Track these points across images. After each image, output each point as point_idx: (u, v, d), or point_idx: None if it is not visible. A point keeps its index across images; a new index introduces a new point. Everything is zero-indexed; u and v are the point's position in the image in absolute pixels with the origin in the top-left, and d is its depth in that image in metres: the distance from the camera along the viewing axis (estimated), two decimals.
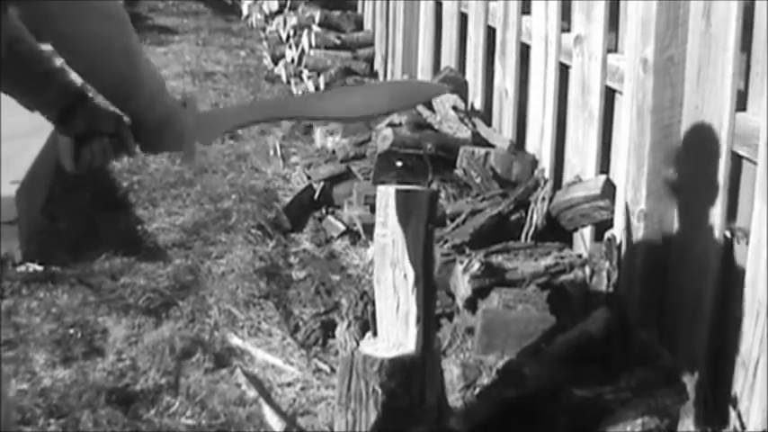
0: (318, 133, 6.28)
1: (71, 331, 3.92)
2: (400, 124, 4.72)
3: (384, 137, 4.58)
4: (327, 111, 2.47)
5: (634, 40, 3.33)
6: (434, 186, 4.31)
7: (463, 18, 5.42)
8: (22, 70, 2.06)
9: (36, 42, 2.05)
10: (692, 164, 3.10)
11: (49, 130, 5.94)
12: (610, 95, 3.76)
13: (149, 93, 2.00)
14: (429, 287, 2.85)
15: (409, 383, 2.75)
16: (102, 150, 2.15)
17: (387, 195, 2.90)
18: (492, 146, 4.54)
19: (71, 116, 2.11)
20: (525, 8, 4.54)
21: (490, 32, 4.99)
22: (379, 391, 2.73)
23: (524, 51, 4.56)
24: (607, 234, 3.53)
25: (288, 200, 5.47)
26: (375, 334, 2.95)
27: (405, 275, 2.84)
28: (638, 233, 3.31)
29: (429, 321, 2.87)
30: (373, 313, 2.99)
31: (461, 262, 3.59)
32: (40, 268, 4.45)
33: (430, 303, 2.87)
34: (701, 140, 3.01)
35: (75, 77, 1.98)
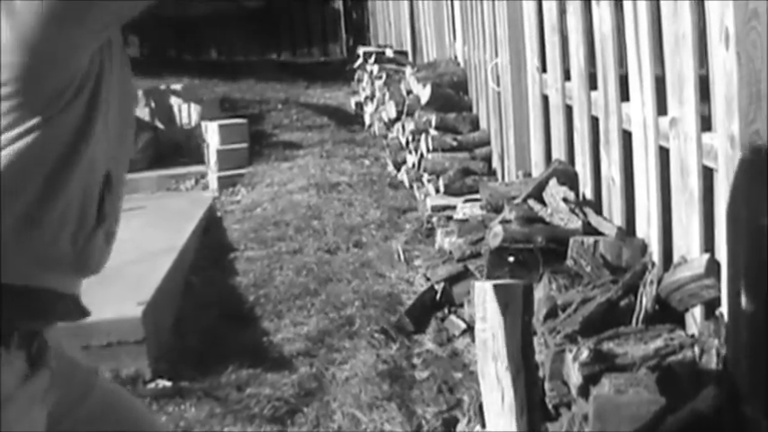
0: (439, 234, 6.37)
1: None
2: (511, 221, 4.78)
3: (495, 234, 4.64)
4: None
5: (720, 118, 3.37)
6: (546, 279, 4.34)
7: (569, 110, 5.49)
8: None
9: None
10: None
11: (177, 251, 6.21)
12: (709, 174, 3.78)
13: None
14: (530, 377, 2.90)
15: None
16: None
17: (483, 291, 2.97)
18: (602, 234, 4.57)
19: None
20: (624, 95, 4.60)
21: (594, 122, 5.05)
22: None
23: (627, 138, 4.60)
24: (716, 312, 3.53)
25: (411, 302, 5.55)
26: (483, 426, 3.01)
27: (506, 367, 2.90)
28: (741, 308, 3.30)
29: (533, 411, 2.91)
30: (480, 406, 3.04)
31: (571, 350, 3.62)
32: (168, 384, 4.62)
33: (533, 393, 2.92)
34: None
35: None
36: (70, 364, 2.17)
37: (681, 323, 3.86)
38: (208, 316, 5.59)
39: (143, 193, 9.96)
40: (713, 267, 3.61)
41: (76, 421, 2.16)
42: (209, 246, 7.35)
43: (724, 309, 3.48)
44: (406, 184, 8.48)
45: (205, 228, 7.86)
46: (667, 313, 3.84)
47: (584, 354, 3.54)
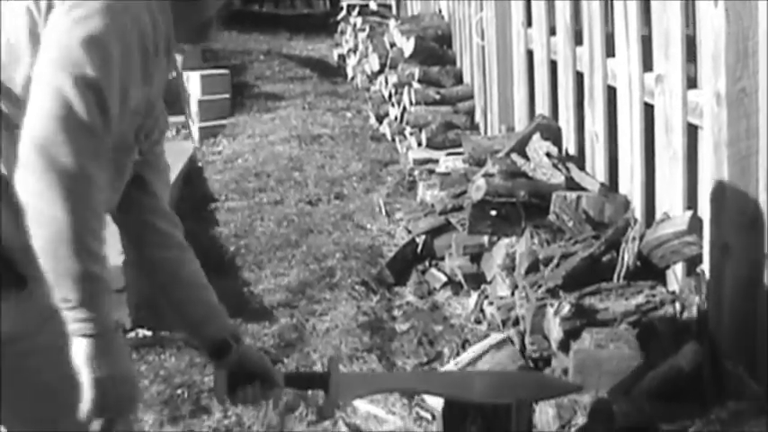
0: (421, 188, 6.37)
1: (179, 392, 4.08)
2: (494, 174, 4.77)
3: (478, 187, 4.63)
4: (465, 393, 2.74)
5: (707, 75, 3.36)
6: (528, 233, 4.34)
7: (553, 65, 5.48)
8: (179, 313, 2.54)
9: (195, 285, 2.59)
10: None
11: None
12: (693, 132, 3.78)
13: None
14: None
15: (492, 430, 2.79)
16: (255, 393, 2.43)
17: None
18: (585, 189, 4.56)
19: (225, 353, 2.37)
20: (610, 51, 4.59)
21: (579, 77, 5.04)
22: None
23: (612, 94, 4.60)
24: (697, 269, 3.54)
25: (392, 255, 5.56)
26: None
27: None
28: (724, 266, 3.31)
29: None
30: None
31: (552, 305, 3.63)
32: (149, 333, 4.63)
33: None
34: None
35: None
36: None
37: (662, 280, 3.87)
38: None
39: None
40: (696, 224, 3.61)
41: None
42: (190, 196, 7.32)
43: (705, 266, 3.49)
44: (389, 136, 8.47)
45: (186, 178, 7.81)
46: (649, 270, 3.85)
47: (566, 308, 3.55)
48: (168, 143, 9.25)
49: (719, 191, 3.31)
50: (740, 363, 3.15)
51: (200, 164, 8.46)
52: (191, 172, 8.10)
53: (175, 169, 7.64)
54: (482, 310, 4.68)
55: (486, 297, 4.71)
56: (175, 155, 8.58)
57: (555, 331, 3.59)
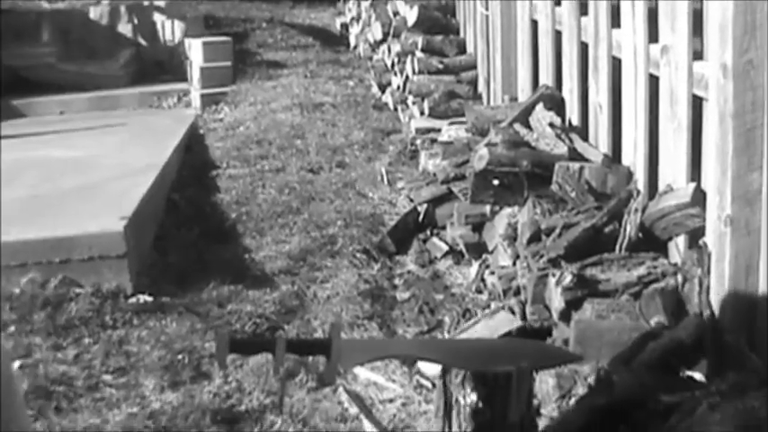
0: (423, 156, 6.35)
1: (179, 357, 4.10)
2: (496, 144, 4.75)
3: (480, 156, 4.61)
4: (466, 360, 2.70)
5: (714, 47, 3.35)
6: (530, 203, 4.33)
7: (558, 35, 5.45)
8: None
9: None
10: None
11: (159, 168, 6.20)
12: (698, 104, 3.77)
13: None
14: None
15: (492, 399, 2.78)
16: None
17: None
18: (588, 160, 4.56)
19: None
20: (615, 22, 4.56)
21: (584, 48, 5.02)
22: (462, 402, 2.78)
23: (617, 65, 4.58)
24: (700, 241, 3.54)
25: (393, 224, 5.56)
26: None
27: None
28: (726, 238, 3.31)
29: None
30: None
31: (554, 275, 3.63)
32: (150, 299, 4.65)
33: None
34: None
35: None
36: None
37: (664, 252, 3.87)
38: (189, 233, 5.60)
39: (124, 110, 9.91)
40: (699, 197, 3.61)
41: None
42: (192, 163, 7.32)
43: (708, 239, 3.49)
44: (391, 106, 8.44)
45: (187, 145, 7.81)
46: (651, 241, 3.84)
47: (568, 278, 3.55)
48: (170, 110, 9.34)
49: (723, 163, 3.30)
50: (740, 335, 3.15)
51: (201, 131, 8.45)
52: (192, 139, 8.10)
53: (177, 136, 7.65)
54: (483, 280, 4.68)
55: (488, 267, 4.70)
56: (177, 122, 8.60)
57: (556, 301, 3.59)
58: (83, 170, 6.42)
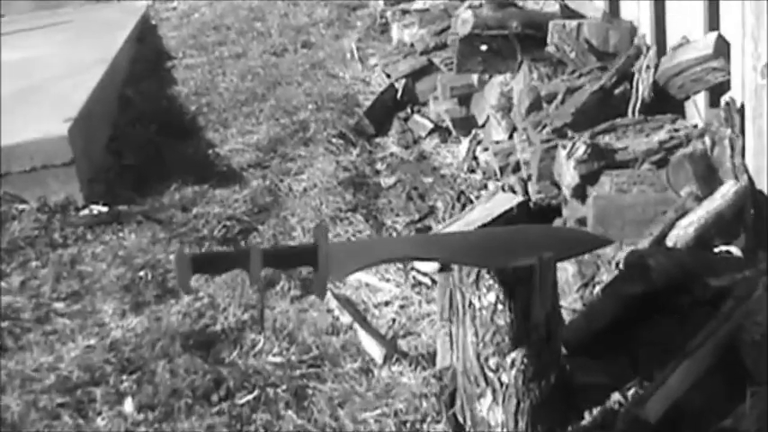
0: (395, 29, 6.01)
1: (141, 274, 3.72)
2: (481, 5, 4.43)
3: (464, 20, 4.31)
4: (477, 256, 2.35)
5: None
6: (526, 68, 3.96)
7: None
8: None
9: None
10: None
11: (108, 62, 5.81)
12: None
13: None
14: None
15: (511, 297, 2.37)
16: None
17: None
18: (583, 17, 4.23)
19: None
20: None
21: None
22: (477, 305, 2.37)
23: None
24: (724, 98, 3.15)
25: (369, 103, 5.28)
26: None
27: None
28: (764, 91, 2.90)
29: None
30: None
31: (564, 146, 3.25)
32: (104, 209, 4.33)
33: None
34: None
35: None
36: None
37: (680, 112, 3.48)
38: (146, 130, 5.24)
39: (70, 7, 9.47)
40: (722, 47, 3.20)
41: None
42: (145, 56, 7.05)
43: (735, 94, 3.08)
44: None
45: (139, 38, 7.53)
46: (665, 102, 3.48)
47: (581, 149, 3.16)
48: (120, 3, 8.99)
49: (758, 5, 2.86)
50: None
51: (153, 21, 8.25)
52: (144, 31, 7.86)
53: (127, 28, 7.37)
54: (475, 158, 4.41)
55: (479, 143, 4.45)
56: (127, 14, 8.26)
57: (568, 176, 3.21)
58: (25, 73, 6.02)
